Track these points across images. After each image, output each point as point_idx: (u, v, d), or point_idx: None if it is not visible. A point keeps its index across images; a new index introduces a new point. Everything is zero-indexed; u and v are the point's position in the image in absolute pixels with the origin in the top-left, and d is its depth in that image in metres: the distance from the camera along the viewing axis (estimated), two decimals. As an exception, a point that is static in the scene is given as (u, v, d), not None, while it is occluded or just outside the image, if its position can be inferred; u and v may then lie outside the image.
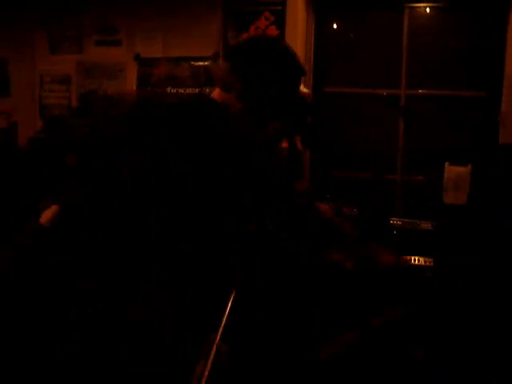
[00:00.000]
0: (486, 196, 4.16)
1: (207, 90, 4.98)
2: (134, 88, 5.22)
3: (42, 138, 4.84)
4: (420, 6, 4.69)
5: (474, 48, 4.59)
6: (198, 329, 0.91)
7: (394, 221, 4.10)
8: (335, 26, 4.91)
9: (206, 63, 4.96)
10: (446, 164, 4.20)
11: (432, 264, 3.84)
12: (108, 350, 0.70)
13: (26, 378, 0.63)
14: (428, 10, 4.71)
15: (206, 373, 0.88)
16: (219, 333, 0.91)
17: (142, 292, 0.73)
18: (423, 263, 3.87)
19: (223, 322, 0.93)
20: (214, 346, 0.90)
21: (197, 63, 4.98)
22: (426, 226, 4.06)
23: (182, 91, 5.03)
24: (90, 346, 0.68)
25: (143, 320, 0.73)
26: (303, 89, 3.19)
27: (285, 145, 2.94)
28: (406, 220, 4.11)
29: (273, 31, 4.70)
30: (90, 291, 0.66)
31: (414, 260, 3.88)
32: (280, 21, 4.69)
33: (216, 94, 1.94)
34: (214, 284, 0.96)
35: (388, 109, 4.62)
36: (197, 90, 5.00)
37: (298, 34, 4.69)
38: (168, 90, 5.04)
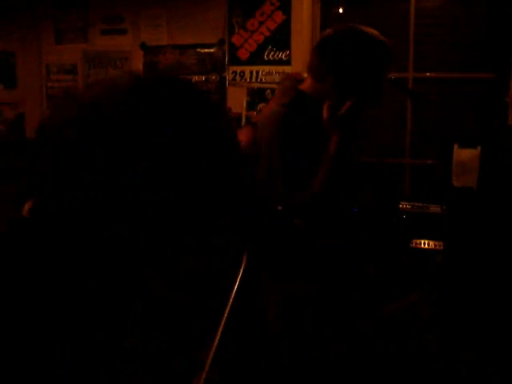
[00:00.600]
0: (496, 178, 4.14)
1: (213, 77, 4.97)
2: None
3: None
4: (427, -12, 4.65)
5: (482, 29, 4.55)
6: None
7: (403, 205, 4.10)
8: (341, 10, 4.87)
9: (211, 50, 4.95)
10: (455, 146, 4.19)
11: (442, 248, 3.85)
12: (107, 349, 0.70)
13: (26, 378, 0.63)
14: (435, -9, 4.67)
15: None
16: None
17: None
18: (433, 247, 3.88)
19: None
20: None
21: (202, 50, 4.98)
22: (435, 209, 4.06)
23: (189, 78, 5.03)
24: (86, 344, 0.67)
25: (142, 317, 0.73)
26: None
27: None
28: (415, 204, 4.11)
29: (279, 16, 4.68)
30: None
31: (424, 244, 3.88)
32: (286, 6, 4.66)
33: (308, 83, 1.95)
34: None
35: (396, 92, 4.59)
36: (203, 77, 4.99)
37: (304, 19, 4.66)
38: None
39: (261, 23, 4.74)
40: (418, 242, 3.89)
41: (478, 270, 3.67)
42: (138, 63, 5.25)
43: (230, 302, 0.88)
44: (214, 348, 0.85)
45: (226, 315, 0.87)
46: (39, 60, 5.58)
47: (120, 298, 0.68)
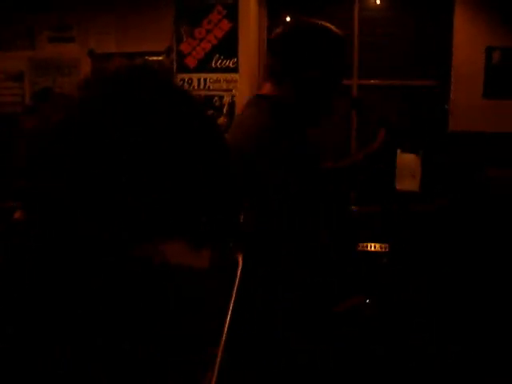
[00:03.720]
0: (436, 181, 4.28)
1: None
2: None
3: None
4: (369, -2, 4.77)
5: (424, 38, 4.69)
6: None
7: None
8: (288, 18, 4.95)
9: (159, 58, 4.96)
10: (398, 151, 4.30)
11: (388, 250, 3.93)
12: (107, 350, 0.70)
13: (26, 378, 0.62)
14: (378, 1, 4.79)
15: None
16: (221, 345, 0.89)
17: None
18: (379, 249, 3.96)
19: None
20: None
21: (151, 58, 4.98)
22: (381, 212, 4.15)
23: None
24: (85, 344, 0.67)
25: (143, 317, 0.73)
26: None
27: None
28: (362, 207, 4.20)
29: (225, 25, 4.72)
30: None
31: (370, 247, 3.96)
32: (232, 14, 4.71)
33: (268, 88, 1.80)
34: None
35: (341, 99, 4.67)
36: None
37: (251, 28, 4.72)
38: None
39: (208, 31, 4.78)
40: (365, 245, 3.96)
41: (422, 270, 3.78)
42: (86, 71, 5.21)
43: (232, 302, 0.87)
44: (222, 345, 0.84)
45: (229, 315, 0.86)
46: (-15, 67, 5.47)
47: (120, 300, 0.68)
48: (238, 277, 0.90)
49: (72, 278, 0.66)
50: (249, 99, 1.88)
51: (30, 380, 0.63)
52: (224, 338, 0.83)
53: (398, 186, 4.20)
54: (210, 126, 0.77)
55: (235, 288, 0.88)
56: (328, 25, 1.81)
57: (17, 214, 0.71)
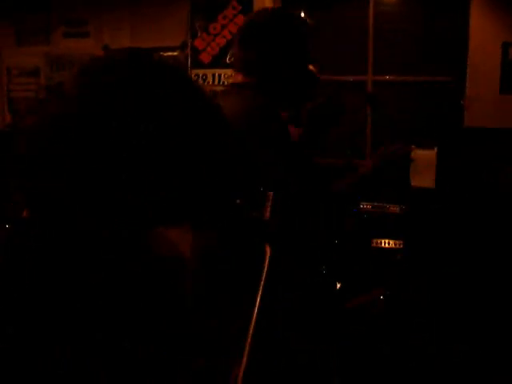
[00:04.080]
0: (452, 177, 4.25)
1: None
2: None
3: (10, 131, 4.79)
4: (385, -6, 4.75)
5: (439, 34, 4.66)
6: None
7: (363, 205, 4.16)
8: (302, 14, 4.93)
9: (174, 53, 4.97)
10: (413, 147, 4.27)
11: (402, 246, 3.91)
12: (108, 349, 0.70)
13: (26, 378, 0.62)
14: (393, -3, 4.77)
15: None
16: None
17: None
18: (393, 246, 3.94)
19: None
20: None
21: (165, 53, 4.98)
22: (395, 209, 4.13)
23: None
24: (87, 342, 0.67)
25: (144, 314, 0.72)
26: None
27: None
28: (375, 204, 4.17)
29: (241, 20, 4.71)
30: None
31: (384, 243, 3.94)
32: (248, 9, 4.70)
33: (242, 78, 1.74)
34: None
35: (356, 95, 4.67)
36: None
37: (266, 23, 4.70)
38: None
39: (223, 27, 4.78)
40: (379, 241, 3.95)
41: (436, 267, 3.76)
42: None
43: (260, 294, 0.86)
44: (249, 339, 0.82)
45: (257, 308, 0.84)
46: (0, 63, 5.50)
47: (120, 298, 0.68)
48: (266, 268, 0.88)
49: (72, 276, 0.65)
50: (224, 89, 1.85)
51: (30, 380, 0.63)
52: (252, 332, 0.82)
53: (413, 183, 4.17)
54: (215, 118, 0.75)
55: (263, 279, 0.86)
56: (303, 16, 1.81)
57: (25, 212, 0.71)
